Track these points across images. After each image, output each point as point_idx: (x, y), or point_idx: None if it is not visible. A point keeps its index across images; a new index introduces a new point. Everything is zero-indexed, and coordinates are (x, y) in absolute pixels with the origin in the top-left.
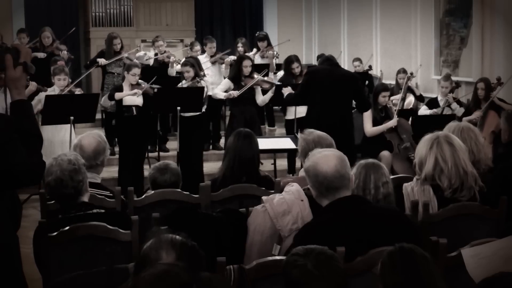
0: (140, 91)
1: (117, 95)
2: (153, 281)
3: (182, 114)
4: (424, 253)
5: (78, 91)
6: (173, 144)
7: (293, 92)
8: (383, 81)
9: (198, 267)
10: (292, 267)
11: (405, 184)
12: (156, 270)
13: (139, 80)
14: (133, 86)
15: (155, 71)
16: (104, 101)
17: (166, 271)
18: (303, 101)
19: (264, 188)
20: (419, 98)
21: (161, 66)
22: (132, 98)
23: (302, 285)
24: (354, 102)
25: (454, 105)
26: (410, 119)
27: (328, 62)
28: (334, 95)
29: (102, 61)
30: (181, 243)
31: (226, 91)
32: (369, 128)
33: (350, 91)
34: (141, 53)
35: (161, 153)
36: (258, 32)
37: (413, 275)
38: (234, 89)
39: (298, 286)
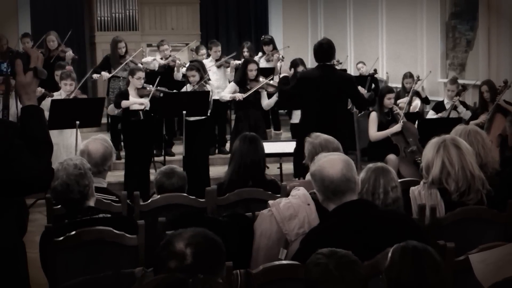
0: (148, 102)
1: (124, 104)
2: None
3: (187, 118)
4: (436, 257)
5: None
6: (178, 148)
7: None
8: (389, 84)
9: (208, 258)
10: (314, 265)
11: (412, 188)
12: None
13: (144, 84)
14: (138, 90)
15: (160, 75)
16: (110, 109)
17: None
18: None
19: (270, 192)
20: (425, 101)
21: (166, 70)
22: (140, 101)
23: (321, 284)
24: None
25: (461, 108)
26: (416, 122)
27: (321, 65)
28: (326, 100)
29: (105, 75)
30: (206, 233)
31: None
32: (373, 132)
33: (343, 95)
34: (149, 58)
35: (167, 157)
36: (263, 36)
37: (420, 278)
38: (239, 93)
39: (317, 284)
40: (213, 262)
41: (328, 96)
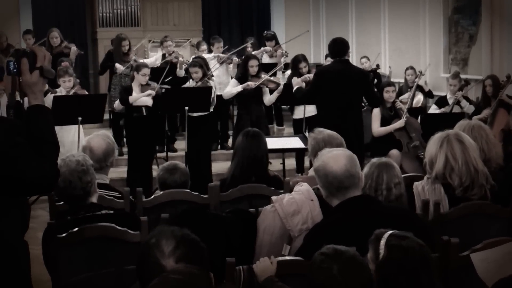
0: (154, 92)
1: (131, 99)
2: None
3: (190, 114)
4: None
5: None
6: (181, 144)
7: (302, 87)
8: (392, 79)
9: (198, 259)
10: (317, 268)
11: (415, 183)
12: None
13: (149, 81)
14: (142, 87)
15: (163, 72)
16: (117, 106)
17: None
18: (311, 101)
19: (273, 188)
20: (428, 95)
21: (169, 67)
22: (143, 98)
23: None
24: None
25: (464, 103)
26: (419, 117)
27: (338, 60)
28: (344, 95)
29: (119, 67)
30: (182, 234)
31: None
32: (376, 128)
33: (360, 89)
34: (152, 59)
35: (169, 153)
36: (266, 32)
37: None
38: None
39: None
40: (202, 263)
41: (345, 89)
